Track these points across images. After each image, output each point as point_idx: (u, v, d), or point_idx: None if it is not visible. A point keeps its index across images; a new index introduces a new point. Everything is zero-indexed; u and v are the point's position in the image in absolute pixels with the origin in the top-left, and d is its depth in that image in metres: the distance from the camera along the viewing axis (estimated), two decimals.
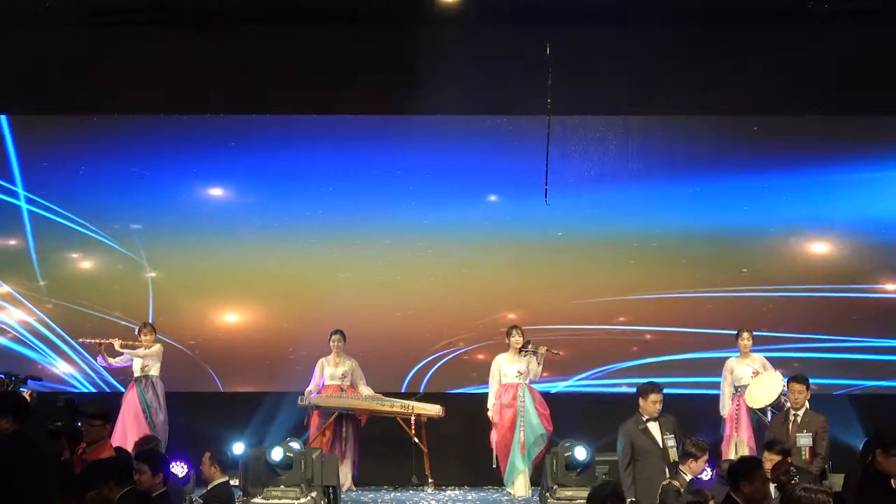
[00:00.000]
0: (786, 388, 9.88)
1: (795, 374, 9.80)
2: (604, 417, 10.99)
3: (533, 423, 10.80)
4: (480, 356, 12.05)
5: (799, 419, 9.39)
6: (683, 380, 11.63)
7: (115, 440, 10.06)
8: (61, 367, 12.20)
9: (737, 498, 6.13)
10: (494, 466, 10.96)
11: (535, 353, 10.89)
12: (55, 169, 12.30)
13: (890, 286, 12.11)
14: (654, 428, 8.78)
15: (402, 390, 12.06)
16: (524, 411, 10.80)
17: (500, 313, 12.14)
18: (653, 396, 8.81)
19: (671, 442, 8.62)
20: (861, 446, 8.58)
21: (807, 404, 9.50)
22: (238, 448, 10.47)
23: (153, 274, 12.23)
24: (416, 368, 12.16)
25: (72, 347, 12.17)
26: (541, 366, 10.98)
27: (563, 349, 11.54)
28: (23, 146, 12.29)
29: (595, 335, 12.21)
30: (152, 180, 12.26)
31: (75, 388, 12.10)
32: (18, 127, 12.29)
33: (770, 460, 7.62)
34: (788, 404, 9.63)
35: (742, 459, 6.82)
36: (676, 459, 8.24)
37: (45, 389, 11.05)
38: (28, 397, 8.44)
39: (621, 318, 12.22)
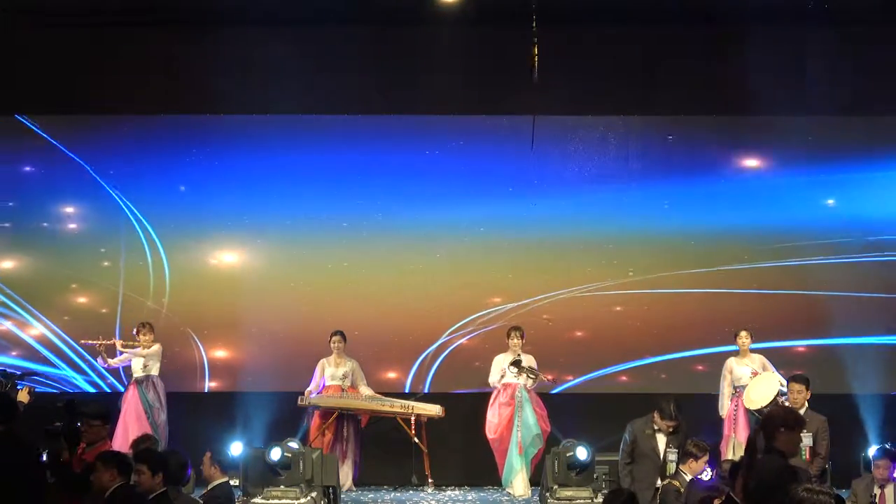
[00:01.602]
0: (784, 388, 9.86)
1: (795, 373, 9.77)
2: (604, 417, 11.02)
3: (529, 422, 10.81)
4: (479, 351, 12.03)
5: None
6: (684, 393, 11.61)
7: (117, 441, 10.08)
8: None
9: (735, 497, 6.15)
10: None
11: (531, 376, 10.88)
12: (55, 167, 12.33)
13: None
14: (661, 438, 8.75)
15: (406, 390, 12.04)
16: (521, 411, 10.81)
17: (498, 309, 12.13)
18: (668, 423, 8.74)
19: (672, 456, 8.58)
20: None
21: (806, 404, 9.47)
22: (236, 448, 10.46)
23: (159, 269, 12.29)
24: (415, 367, 12.14)
25: (31, 315, 12.21)
26: (533, 383, 10.99)
27: (574, 335, 11.57)
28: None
29: (595, 335, 12.22)
30: (152, 180, 12.28)
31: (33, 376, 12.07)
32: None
33: None
34: (787, 404, 9.60)
35: (734, 462, 6.83)
36: (673, 472, 8.23)
37: (40, 388, 11.10)
38: (28, 395, 8.43)
39: (622, 315, 12.22)
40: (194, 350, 12.24)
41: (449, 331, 12.16)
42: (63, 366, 12.20)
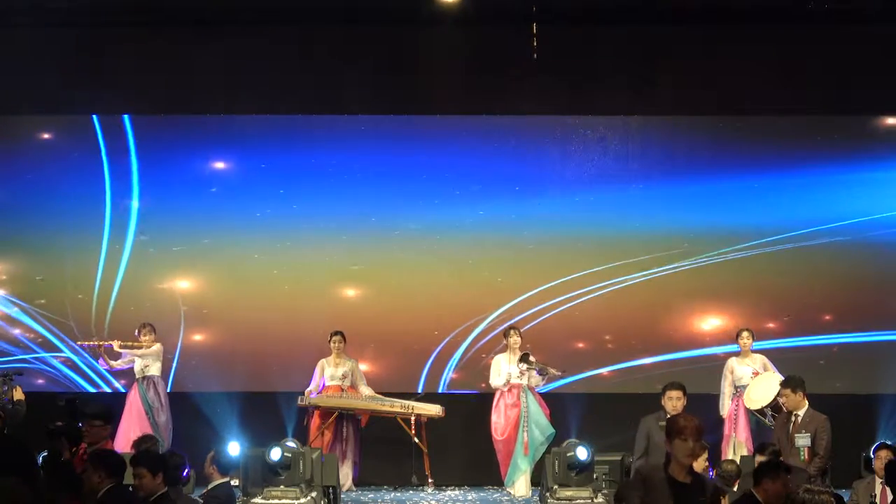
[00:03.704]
0: None
1: (786, 377, 9.70)
2: (604, 417, 11.02)
3: (542, 423, 10.82)
4: (478, 351, 12.06)
5: (800, 419, 9.33)
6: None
7: (119, 440, 10.10)
8: None
9: (757, 495, 6.17)
10: None
11: (541, 373, 10.88)
12: (53, 167, 12.36)
13: None
14: None
15: (419, 390, 12.01)
16: (528, 412, 10.81)
17: (500, 310, 12.12)
18: (670, 392, 8.90)
19: None
20: None
21: (806, 404, 9.42)
22: (233, 448, 10.45)
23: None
24: (426, 368, 12.13)
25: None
26: (541, 380, 11.00)
27: (575, 335, 11.66)
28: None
29: (596, 334, 12.22)
30: (153, 180, 12.29)
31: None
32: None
33: None
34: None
35: (769, 460, 6.87)
36: None
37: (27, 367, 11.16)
38: (21, 392, 8.46)
39: (623, 315, 12.22)
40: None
41: (453, 333, 12.15)
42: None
